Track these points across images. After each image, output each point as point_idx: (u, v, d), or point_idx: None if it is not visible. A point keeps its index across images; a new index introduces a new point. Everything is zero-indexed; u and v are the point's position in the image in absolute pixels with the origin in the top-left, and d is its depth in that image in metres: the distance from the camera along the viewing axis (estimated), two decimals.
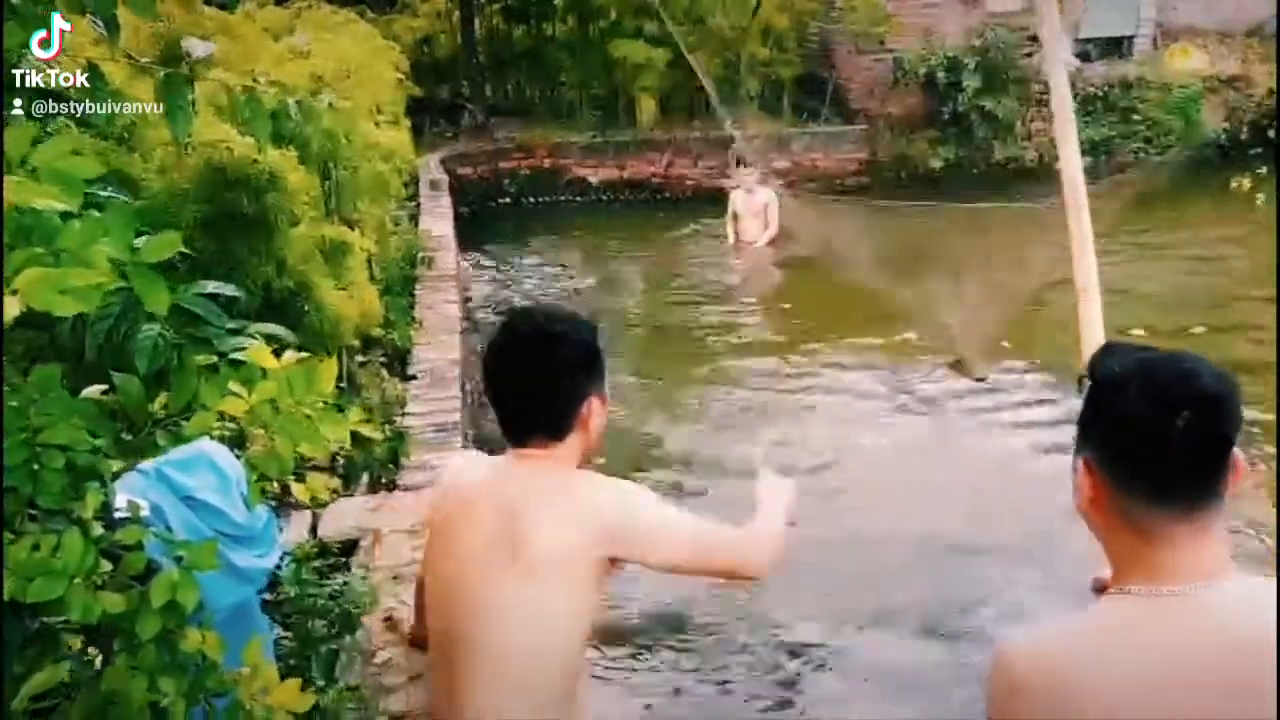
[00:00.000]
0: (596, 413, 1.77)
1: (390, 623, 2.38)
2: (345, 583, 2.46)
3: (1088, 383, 1.25)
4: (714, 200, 9.88)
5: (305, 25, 6.28)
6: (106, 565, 1.03)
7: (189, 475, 1.19)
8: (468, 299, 6.87)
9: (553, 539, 1.67)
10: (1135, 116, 11.28)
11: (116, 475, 1.17)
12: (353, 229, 4.10)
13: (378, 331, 4.57)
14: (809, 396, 5.38)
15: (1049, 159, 10.96)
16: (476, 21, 11.38)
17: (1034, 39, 11.13)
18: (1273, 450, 4.32)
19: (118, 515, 1.10)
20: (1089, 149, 11.13)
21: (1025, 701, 1.18)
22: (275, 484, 1.37)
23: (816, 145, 10.84)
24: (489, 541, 1.69)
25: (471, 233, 8.85)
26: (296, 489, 1.26)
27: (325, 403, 1.36)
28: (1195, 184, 10.40)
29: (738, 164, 8.72)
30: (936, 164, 10.86)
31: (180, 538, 1.12)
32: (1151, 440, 1.14)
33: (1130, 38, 11.81)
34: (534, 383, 1.75)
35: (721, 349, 6.21)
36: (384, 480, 3.50)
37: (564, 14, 11.35)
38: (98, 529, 1.05)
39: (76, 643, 1.15)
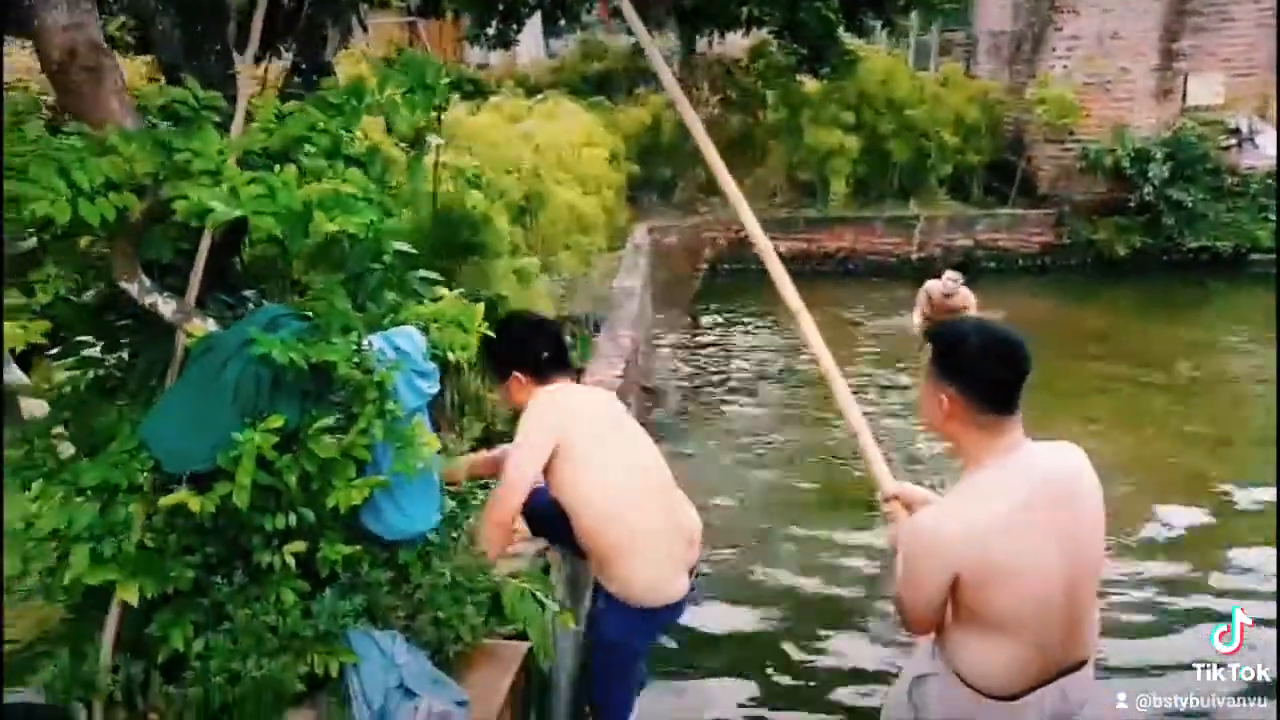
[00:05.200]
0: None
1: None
2: None
3: (928, 344, 2.18)
4: (889, 271, 10.75)
5: (536, 114, 7.89)
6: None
7: (399, 338, 2.44)
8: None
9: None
10: None
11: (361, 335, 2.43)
12: (545, 269, 5.47)
13: None
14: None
15: (1244, 249, 11.01)
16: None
17: (1233, 132, 11.28)
18: None
19: (366, 348, 2.33)
20: None
21: (959, 563, 1.98)
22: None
23: (999, 226, 11.43)
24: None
25: (668, 293, 10.20)
26: (453, 356, 2.48)
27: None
28: None
29: (954, 267, 8.35)
30: (1123, 250, 11.15)
31: (390, 360, 2.35)
32: (1004, 382, 2.04)
33: None
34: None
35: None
36: None
37: (777, 105, 12.62)
38: (355, 348, 2.30)
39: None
